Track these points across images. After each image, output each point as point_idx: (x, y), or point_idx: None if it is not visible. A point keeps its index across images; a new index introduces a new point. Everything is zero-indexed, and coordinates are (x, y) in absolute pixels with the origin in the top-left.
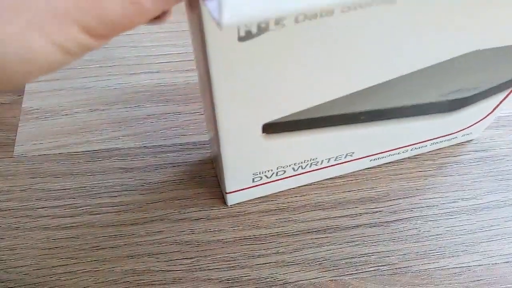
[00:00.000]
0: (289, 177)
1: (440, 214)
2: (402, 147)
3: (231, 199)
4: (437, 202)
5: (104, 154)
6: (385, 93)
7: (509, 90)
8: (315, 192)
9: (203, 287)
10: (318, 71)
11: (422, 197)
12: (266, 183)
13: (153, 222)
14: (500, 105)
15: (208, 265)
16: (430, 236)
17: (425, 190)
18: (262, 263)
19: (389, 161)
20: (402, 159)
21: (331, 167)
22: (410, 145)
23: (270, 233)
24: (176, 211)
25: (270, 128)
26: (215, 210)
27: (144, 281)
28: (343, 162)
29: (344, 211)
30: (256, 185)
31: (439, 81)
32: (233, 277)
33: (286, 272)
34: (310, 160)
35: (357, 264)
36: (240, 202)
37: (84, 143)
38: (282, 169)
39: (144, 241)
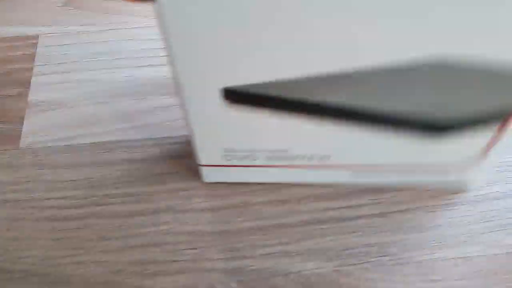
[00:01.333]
0: (262, 166)
1: (440, 205)
2: (385, 166)
3: (207, 175)
4: (437, 194)
5: (110, 146)
6: (359, 89)
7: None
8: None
9: (207, 277)
10: (282, 32)
11: (421, 188)
12: (240, 166)
13: (159, 213)
14: (492, 150)
15: (212, 255)
16: (430, 226)
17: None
18: (265, 253)
19: (370, 182)
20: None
21: (308, 168)
22: (393, 166)
23: (273, 223)
24: (181, 202)
25: (232, 96)
26: (219, 200)
27: (149, 271)
28: (317, 166)
29: (347, 202)
30: (230, 166)
31: (417, 91)
32: (236, 267)
33: (289, 262)
34: (282, 152)
35: (360, 254)
36: (243, 191)
37: (90, 135)
38: (253, 153)
39: (150, 231)
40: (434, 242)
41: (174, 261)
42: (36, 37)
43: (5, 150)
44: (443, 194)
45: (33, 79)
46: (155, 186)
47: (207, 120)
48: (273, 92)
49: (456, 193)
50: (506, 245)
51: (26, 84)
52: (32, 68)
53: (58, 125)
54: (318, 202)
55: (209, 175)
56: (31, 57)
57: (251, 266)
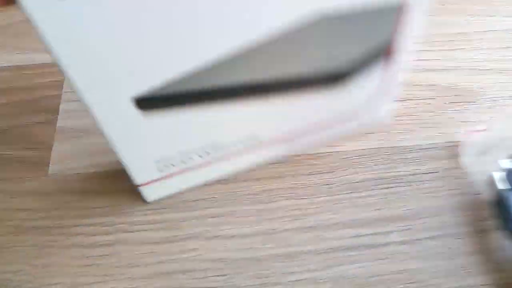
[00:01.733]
0: (202, 165)
1: (469, 232)
2: (307, 129)
3: (148, 194)
4: (467, 220)
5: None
6: (262, 64)
7: (389, 62)
8: (348, 209)
9: None
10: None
11: (451, 214)
12: (177, 173)
13: (187, 240)
14: (392, 80)
15: (241, 282)
16: (459, 253)
17: (453, 208)
18: (294, 279)
19: (301, 146)
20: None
21: (241, 154)
22: (314, 126)
23: (302, 250)
24: (210, 228)
25: (145, 104)
26: (247, 227)
27: None
28: (250, 148)
29: (375, 229)
30: (167, 176)
31: (308, 52)
32: None
33: None
34: (212, 144)
35: (388, 282)
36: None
37: (117, 162)
38: (185, 155)
39: (178, 258)
40: (462, 269)
41: (203, 287)
42: None
43: (34, 177)
44: (471, 221)
45: (61, 106)
46: (184, 213)
47: (127, 135)
48: (183, 88)
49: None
50: None
51: (54, 111)
52: (60, 95)
53: (86, 152)
54: (346, 229)
55: (151, 193)
56: (60, 84)
57: None
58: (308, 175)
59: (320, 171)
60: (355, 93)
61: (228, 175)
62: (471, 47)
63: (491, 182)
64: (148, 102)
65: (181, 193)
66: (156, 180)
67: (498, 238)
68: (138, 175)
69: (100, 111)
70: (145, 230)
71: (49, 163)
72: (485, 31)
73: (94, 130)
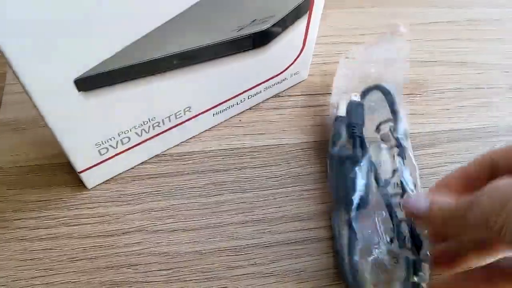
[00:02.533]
0: (139, 144)
1: None
2: (237, 95)
3: (88, 180)
4: None
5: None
6: (183, 36)
7: (304, 19)
8: (290, 203)
9: None
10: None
11: None
12: (117, 154)
13: (131, 233)
14: (309, 37)
15: (185, 276)
16: None
17: None
18: (239, 274)
19: (234, 113)
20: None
21: (178, 128)
22: (243, 92)
23: (247, 244)
24: (153, 222)
25: (84, 84)
26: (191, 221)
27: None
28: (187, 120)
29: (321, 222)
30: (108, 158)
31: (224, 16)
32: None
33: (263, 283)
34: (150, 121)
35: (334, 275)
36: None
37: (61, 155)
38: (124, 135)
39: (122, 252)
40: None
41: (147, 282)
42: None
43: None
44: None
45: (4, 98)
46: (126, 207)
47: (67, 119)
48: (117, 65)
49: (298, 83)
50: None
51: None
52: (3, 87)
53: (29, 144)
54: (292, 222)
55: (91, 178)
56: (2, 76)
57: (225, 287)
58: (254, 168)
59: (266, 164)
60: (277, 53)
61: (165, 151)
62: (417, 38)
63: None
64: (86, 82)
65: (125, 186)
66: (96, 165)
67: None
68: (78, 160)
69: (40, 96)
70: (89, 224)
71: None
72: (431, 23)
73: (36, 122)
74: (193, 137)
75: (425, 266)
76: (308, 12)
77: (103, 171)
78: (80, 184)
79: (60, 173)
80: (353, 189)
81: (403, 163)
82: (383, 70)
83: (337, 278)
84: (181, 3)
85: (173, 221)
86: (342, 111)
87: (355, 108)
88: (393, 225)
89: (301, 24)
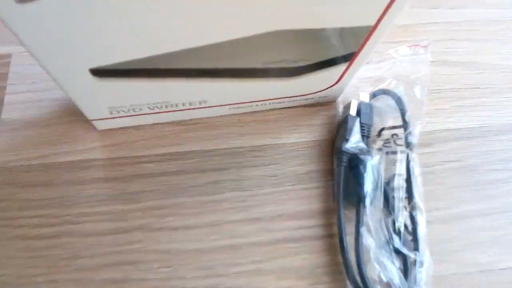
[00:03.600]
0: (149, 114)
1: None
2: (257, 101)
3: (98, 125)
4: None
5: (83, 164)
6: (211, 55)
7: (342, 65)
8: (289, 202)
9: None
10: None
11: None
12: (128, 116)
13: (132, 231)
14: (344, 78)
15: (185, 273)
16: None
17: None
18: (238, 271)
19: (251, 111)
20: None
21: (190, 110)
22: (266, 100)
23: (246, 242)
24: (154, 220)
25: (98, 73)
26: (191, 219)
27: None
28: (200, 108)
29: (320, 220)
30: (118, 117)
31: (262, 51)
32: (209, 285)
33: (262, 281)
34: (163, 103)
35: (332, 273)
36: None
37: (63, 154)
38: (136, 106)
39: (123, 249)
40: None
41: (148, 279)
42: (9, 55)
43: None
44: None
45: (6, 98)
46: (128, 205)
47: (80, 91)
48: (134, 66)
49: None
50: (479, 264)
51: None
52: (5, 87)
53: (32, 143)
54: (291, 220)
55: (101, 124)
56: (4, 76)
57: (224, 284)
58: (253, 166)
59: (265, 162)
60: (306, 82)
61: (165, 151)
62: (414, 39)
63: (347, 108)
64: (101, 72)
65: (126, 184)
66: (107, 119)
67: None
68: (90, 114)
69: (57, 73)
70: (91, 222)
71: None
72: (428, 23)
73: (38, 122)
74: (193, 136)
75: (427, 266)
76: (349, 61)
77: (113, 122)
78: (83, 184)
79: (63, 172)
80: (364, 185)
81: (408, 169)
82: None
83: (336, 275)
84: (212, 37)
85: (173, 219)
86: (353, 110)
87: (364, 109)
88: (395, 224)
89: (338, 68)
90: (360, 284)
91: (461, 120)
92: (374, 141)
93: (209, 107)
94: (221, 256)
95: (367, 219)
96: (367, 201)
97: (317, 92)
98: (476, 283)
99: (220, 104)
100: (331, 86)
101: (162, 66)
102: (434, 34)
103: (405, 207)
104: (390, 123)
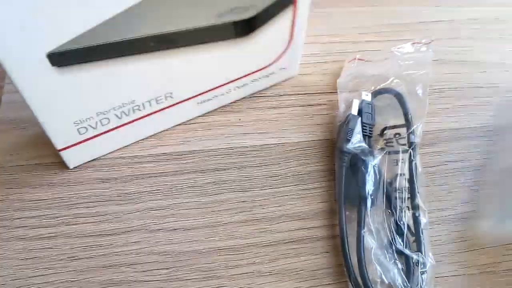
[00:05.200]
0: (120, 126)
1: None
2: (221, 86)
3: (69, 158)
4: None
5: (80, 164)
6: (161, 17)
7: (289, 11)
8: (290, 202)
9: None
10: None
11: None
12: (97, 135)
13: (130, 232)
14: (296, 30)
15: (184, 275)
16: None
17: None
18: (238, 273)
19: (220, 104)
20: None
21: (160, 113)
22: (228, 83)
23: (246, 243)
24: (153, 221)
25: (57, 59)
26: (191, 220)
27: None
28: (168, 106)
29: (321, 221)
30: (88, 139)
31: (203, 2)
32: (209, 287)
33: (262, 282)
34: (129, 104)
35: (333, 274)
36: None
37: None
38: (103, 116)
39: (121, 251)
40: None
41: (146, 281)
42: None
43: None
44: None
45: (3, 97)
46: (126, 206)
47: (44, 96)
48: (93, 42)
49: (288, 79)
50: (480, 265)
51: None
52: (3, 86)
53: (29, 144)
54: (292, 221)
55: (72, 157)
56: (2, 75)
57: (224, 286)
58: (254, 167)
59: (266, 163)
60: (261, 44)
61: (147, 136)
62: (417, 37)
63: (349, 108)
64: (61, 57)
65: (124, 185)
66: (76, 144)
67: None
68: (58, 138)
69: (15, 70)
70: (89, 223)
71: None
72: (432, 22)
73: (36, 122)
74: (193, 136)
75: (429, 267)
76: (293, 4)
77: (83, 151)
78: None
79: (60, 172)
80: (365, 185)
81: (411, 169)
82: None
83: (337, 277)
84: None
85: (172, 220)
86: (355, 110)
87: (366, 108)
88: (397, 225)
89: (286, 15)
90: (362, 286)
91: (464, 119)
92: (376, 141)
93: (177, 103)
94: (220, 258)
95: (369, 220)
96: (369, 201)
97: (275, 61)
98: (479, 284)
99: (186, 97)
100: (285, 50)
101: (118, 37)
102: (437, 33)
103: (407, 208)
104: (392, 122)
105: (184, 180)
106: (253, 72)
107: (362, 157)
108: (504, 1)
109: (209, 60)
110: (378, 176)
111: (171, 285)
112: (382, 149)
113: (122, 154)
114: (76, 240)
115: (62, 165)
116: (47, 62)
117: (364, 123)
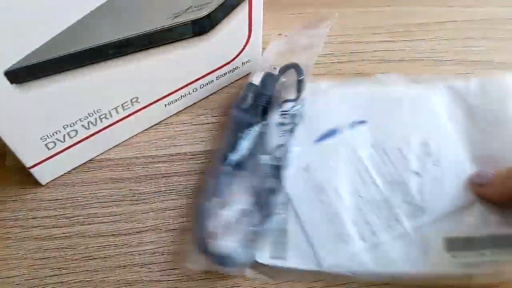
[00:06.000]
0: (88, 137)
1: None
2: (187, 85)
3: (40, 175)
4: None
5: (95, 164)
6: (116, 24)
7: (245, 5)
8: None
9: None
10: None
11: None
12: (66, 148)
13: (145, 232)
14: (254, 24)
15: (200, 275)
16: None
17: None
18: None
19: (188, 104)
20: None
21: (129, 119)
22: (194, 81)
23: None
24: (167, 221)
25: (15, 76)
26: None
27: None
28: (136, 111)
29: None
30: (58, 153)
31: (157, 4)
32: (224, 286)
33: (277, 282)
34: (96, 113)
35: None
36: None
37: None
38: (70, 128)
39: (136, 251)
40: None
41: (161, 281)
42: None
43: None
44: None
45: None
46: (141, 205)
47: (8, 115)
48: (49, 55)
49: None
50: None
51: None
52: None
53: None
54: None
55: (43, 174)
56: None
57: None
58: None
59: None
60: (221, 40)
61: (117, 144)
62: (431, 37)
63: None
64: (17, 74)
65: (139, 185)
66: (46, 159)
67: None
68: (26, 156)
69: None
70: (103, 223)
71: (6, 154)
72: (445, 22)
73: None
74: (205, 136)
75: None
76: None
77: (54, 166)
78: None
79: (75, 172)
80: (235, 148)
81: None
82: (302, 53)
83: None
84: None
85: (186, 219)
86: (256, 80)
87: (268, 79)
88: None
89: (242, 10)
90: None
91: None
92: (272, 111)
93: (144, 107)
94: None
95: (226, 179)
96: (233, 163)
97: (237, 56)
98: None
99: (152, 100)
100: (247, 42)
101: (76, 48)
102: (451, 33)
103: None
104: (291, 96)
105: (197, 181)
106: (217, 69)
107: (244, 122)
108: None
109: (171, 61)
110: (252, 144)
111: (184, 285)
112: (277, 122)
113: (136, 154)
114: (90, 240)
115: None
116: (5, 80)
117: (262, 93)
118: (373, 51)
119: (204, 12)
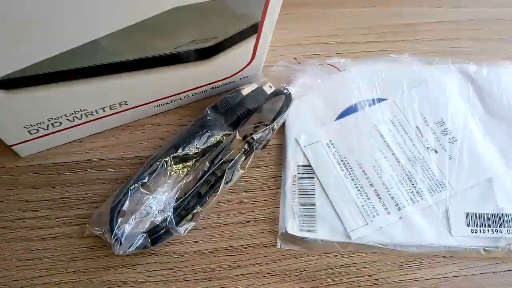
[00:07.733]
0: (73, 127)
1: None
2: (180, 93)
3: (21, 151)
4: None
5: (82, 165)
6: (116, 48)
7: (252, 38)
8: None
9: None
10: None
11: None
12: (48, 134)
13: None
14: (259, 51)
15: (186, 276)
16: (407, 247)
17: None
18: (240, 274)
19: (179, 105)
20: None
21: (115, 115)
22: (188, 90)
23: (248, 244)
24: None
25: (4, 85)
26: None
27: None
28: (123, 110)
29: None
30: (39, 136)
31: (170, 34)
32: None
33: (264, 283)
34: (82, 111)
35: (335, 275)
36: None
37: (62, 154)
38: (54, 120)
39: (122, 252)
40: (410, 262)
41: (147, 282)
42: None
43: None
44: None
45: None
46: None
47: None
48: (40, 71)
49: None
50: (482, 266)
51: None
52: None
53: (37, 144)
54: None
55: (24, 149)
56: None
57: (225, 287)
58: (255, 167)
59: (267, 164)
60: (222, 64)
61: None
62: (418, 38)
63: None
64: (6, 83)
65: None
66: (27, 141)
67: None
68: (7, 137)
69: None
70: (89, 224)
71: None
72: (433, 22)
73: None
74: None
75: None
76: (257, 31)
77: (35, 145)
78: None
79: (62, 173)
80: (189, 142)
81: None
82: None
83: (338, 278)
84: (110, 26)
85: None
86: (246, 90)
87: (257, 95)
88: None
89: (248, 42)
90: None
91: None
92: (242, 126)
93: (132, 108)
94: (221, 258)
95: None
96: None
97: (236, 73)
98: (479, 284)
99: (141, 103)
100: (248, 63)
101: (70, 66)
102: (438, 33)
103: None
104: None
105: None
106: (214, 82)
107: (210, 123)
108: (505, 1)
109: (169, 78)
110: (206, 146)
111: (172, 285)
112: (233, 129)
113: (123, 155)
114: (77, 240)
115: (63, 165)
116: None
117: (244, 105)
118: (360, 51)
119: (207, 45)
